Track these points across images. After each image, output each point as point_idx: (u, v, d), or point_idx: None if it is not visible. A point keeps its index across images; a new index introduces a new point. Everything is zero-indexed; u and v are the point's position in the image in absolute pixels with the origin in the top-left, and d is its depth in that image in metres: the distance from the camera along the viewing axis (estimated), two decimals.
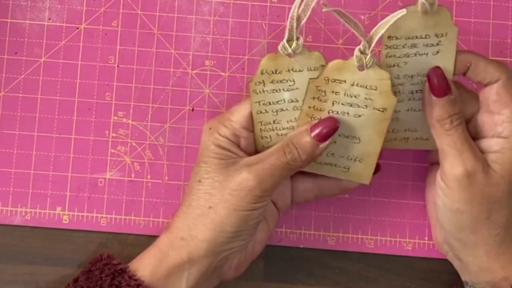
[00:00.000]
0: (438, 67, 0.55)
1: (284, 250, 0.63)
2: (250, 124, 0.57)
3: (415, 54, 0.55)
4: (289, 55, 0.54)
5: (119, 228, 0.63)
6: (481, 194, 0.55)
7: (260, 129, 0.56)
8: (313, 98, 0.56)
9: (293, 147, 0.55)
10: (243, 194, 0.55)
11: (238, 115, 0.56)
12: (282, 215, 0.62)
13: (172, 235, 0.56)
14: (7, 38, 0.65)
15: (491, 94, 0.56)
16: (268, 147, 0.57)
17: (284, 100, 0.56)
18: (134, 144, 0.64)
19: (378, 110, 0.56)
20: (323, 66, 0.55)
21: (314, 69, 0.55)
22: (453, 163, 0.55)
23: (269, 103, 0.56)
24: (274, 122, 0.56)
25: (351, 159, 0.58)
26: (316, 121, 0.56)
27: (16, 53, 0.65)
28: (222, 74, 0.65)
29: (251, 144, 0.58)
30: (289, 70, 0.55)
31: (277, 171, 0.55)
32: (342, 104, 0.56)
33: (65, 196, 0.63)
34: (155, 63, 0.65)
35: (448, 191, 0.55)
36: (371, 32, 0.54)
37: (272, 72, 0.55)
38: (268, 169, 0.55)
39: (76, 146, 0.64)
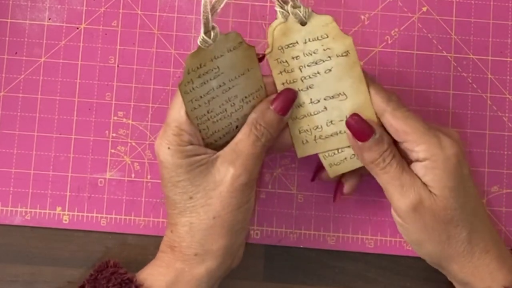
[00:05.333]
0: (355, 114, 0.56)
1: (284, 250, 0.63)
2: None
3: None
4: (209, 46, 0.53)
5: (119, 228, 0.63)
6: (433, 219, 0.54)
7: (198, 123, 0.55)
8: (280, 72, 0.56)
9: (263, 129, 0.55)
10: (240, 191, 0.55)
11: (180, 117, 0.54)
12: (282, 215, 0.63)
13: (183, 253, 0.55)
14: (7, 38, 0.65)
15: (388, 127, 0.55)
16: (208, 137, 0.56)
17: (213, 88, 0.55)
18: (134, 144, 0.64)
19: (342, 55, 0.55)
20: (241, 43, 0.55)
21: (234, 49, 0.55)
22: (398, 198, 0.55)
23: (200, 97, 0.55)
24: (208, 112, 0.56)
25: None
26: (274, 96, 0.56)
27: (16, 53, 0.65)
28: None
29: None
30: (212, 60, 0.54)
31: (258, 156, 0.55)
32: (308, 65, 0.56)
33: (65, 196, 0.63)
34: (155, 63, 0.65)
35: (404, 225, 0.56)
36: None
37: (198, 68, 0.54)
38: (251, 159, 0.55)
39: (76, 146, 0.64)
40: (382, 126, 0.56)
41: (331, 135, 0.58)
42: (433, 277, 0.62)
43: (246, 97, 0.57)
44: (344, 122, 0.57)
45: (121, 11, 0.65)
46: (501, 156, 0.64)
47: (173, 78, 0.65)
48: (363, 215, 0.64)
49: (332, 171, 0.59)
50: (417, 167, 0.55)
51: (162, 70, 0.65)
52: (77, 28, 0.65)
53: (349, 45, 0.55)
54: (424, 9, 0.66)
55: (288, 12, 0.54)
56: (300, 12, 0.54)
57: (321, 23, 0.55)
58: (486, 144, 0.64)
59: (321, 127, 0.57)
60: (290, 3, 0.54)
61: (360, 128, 0.56)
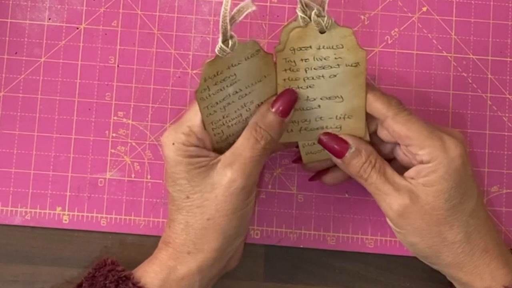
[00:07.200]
0: (326, 133, 0.57)
1: (284, 250, 0.63)
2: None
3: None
4: (227, 54, 0.53)
5: (119, 228, 0.63)
6: (424, 222, 0.54)
7: (212, 128, 0.55)
8: (285, 70, 0.56)
9: (262, 131, 0.55)
10: (236, 195, 0.54)
11: (195, 121, 0.55)
12: (282, 215, 0.63)
13: (177, 251, 0.56)
14: (7, 38, 0.65)
15: (391, 132, 0.56)
16: (222, 141, 0.56)
17: (229, 94, 0.55)
18: (134, 144, 0.64)
19: (351, 66, 0.55)
20: (258, 51, 0.55)
21: (251, 56, 0.55)
22: (384, 207, 0.56)
23: (216, 103, 0.55)
24: (223, 117, 0.56)
25: (340, 117, 0.58)
26: (274, 98, 0.56)
27: (16, 53, 0.65)
28: None
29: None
30: (229, 67, 0.54)
31: (258, 159, 0.55)
32: (314, 69, 0.56)
33: (65, 196, 0.63)
34: (155, 63, 0.65)
35: (397, 230, 0.56)
36: None
37: (214, 75, 0.54)
38: (249, 162, 0.55)
39: (76, 146, 0.64)
40: (358, 138, 0.57)
41: (317, 129, 0.58)
42: (433, 277, 0.62)
43: (262, 102, 0.57)
44: (333, 120, 0.57)
45: (121, 11, 0.65)
46: (501, 156, 0.64)
47: (173, 78, 0.65)
48: (363, 215, 0.64)
49: (307, 158, 0.60)
50: (420, 169, 0.55)
51: (162, 70, 0.65)
52: (77, 28, 0.65)
53: (361, 58, 0.55)
54: (424, 9, 0.66)
55: (309, 19, 0.54)
56: (323, 21, 0.54)
57: (340, 34, 0.54)
58: (486, 144, 0.64)
59: (309, 120, 0.58)
60: (315, 10, 0.53)
61: (334, 144, 0.57)
